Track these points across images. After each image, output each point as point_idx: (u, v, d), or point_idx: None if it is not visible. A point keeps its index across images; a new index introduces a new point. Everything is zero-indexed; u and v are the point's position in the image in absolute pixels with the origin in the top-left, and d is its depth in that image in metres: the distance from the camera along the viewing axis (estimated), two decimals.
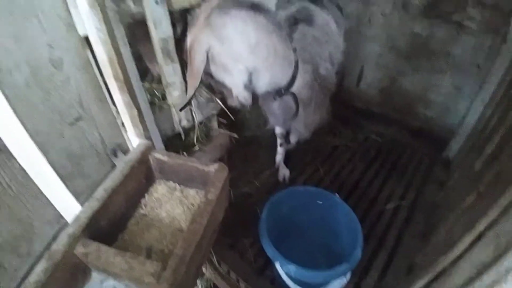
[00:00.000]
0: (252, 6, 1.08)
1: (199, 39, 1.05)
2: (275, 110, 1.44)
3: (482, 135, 1.68)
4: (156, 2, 1.02)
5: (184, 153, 1.43)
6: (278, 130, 1.90)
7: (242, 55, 1.08)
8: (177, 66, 1.21)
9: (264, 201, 1.44)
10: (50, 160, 0.82)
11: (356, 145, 2.33)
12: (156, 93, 1.30)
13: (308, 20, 1.35)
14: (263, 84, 1.19)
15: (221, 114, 1.59)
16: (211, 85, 1.26)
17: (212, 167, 1.09)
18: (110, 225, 0.98)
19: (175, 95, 1.27)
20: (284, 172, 2.01)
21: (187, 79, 1.16)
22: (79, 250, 0.83)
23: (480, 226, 1.11)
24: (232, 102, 1.25)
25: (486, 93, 1.88)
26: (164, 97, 1.29)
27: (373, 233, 1.67)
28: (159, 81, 1.25)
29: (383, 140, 2.39)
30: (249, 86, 1.16)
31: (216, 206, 0.99)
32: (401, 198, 1.91)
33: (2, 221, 0.80)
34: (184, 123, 1.39)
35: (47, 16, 0.77)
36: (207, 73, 1.13)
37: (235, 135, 1.73)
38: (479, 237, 0.95)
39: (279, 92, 1.27)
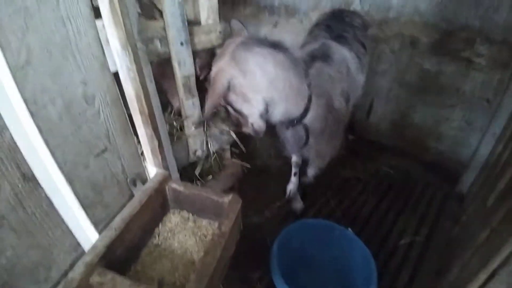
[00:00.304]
0: (273, 45, 1.19)
1: (224, 70, 1.14)
2: (288, 138, 1.52)
3: (495, 169, 1.67)
4: (181, 44, 1.10)
5: (198, 182, 1.45)
6: (294, 158, 1.93)
7: (261, 87, 1.17)
8: (197, 101, 1.27)
9: (275, 233, 1.43)
10: (74, 189, 0.86)
11: (367, 178, 2.32)
12: (175, 124, 1.35)
13: (325, 57, 1.45)
14: (278, 114, 1.27)
15: (233, 143, 1.63)
16: (228, 113, 1.31)
17: (226, 198, 1.11)
18: (125, 254, 0.99)
19: (193, 126, 1.32)
20: (296, 206, 2.00)
21: (207, 100, 1.23)
22: (95, 279, 0.84)
23: (494, 264, 1.08)
24: (247, 130, 1.31)
25: (497, 127, 1.88)
26: (182, 128, 1.34)
27: (386, 270, 1.62)
28: (178, 113, 1.31)
29: (395, 172, 2.37)
30: (264, 115, 1.24)
31: (229, 238, 0.99)
32: (414, 234, 1.86)
33: (24, 248, 0.82)
34: (199, 153, 1.43)
35: (83, 55, 0.83)
36: (226, 101, 1.21)
37: (247, 165, 1.76)
38: (493, 275, 0.92)
39: (291, 122, 1.35)
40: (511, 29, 1.76)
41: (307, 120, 1.32)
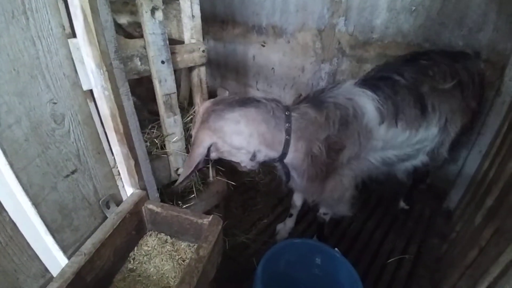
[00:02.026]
0: (243, 103, 1.26)
1: (201, 137, 1.23)
2: (279, 169, 1.55)
3: (481, 186, 1.67)
4: (162, 62, 1.10)
5: (180, 202, 1.41)
6: (294, 197, 1.92)
7: (241, 145, 1.28)
8: (178, 118, 1.26)
9: (261, 252, 1.38)
10: (40, 212, 0.82)
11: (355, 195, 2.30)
12: (156, 141, 1.33)
13: (317, 101, 1.37)
14: (260, 157, 1.36)
15: (218, 161, 1.61)
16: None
17: (206, 220, 1.07)
18: (96, 280, 0.94)
19: (174, 144, 1.29)
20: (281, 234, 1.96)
21: (183, 166, 1.35)
22: None
23: (483, 286, 1.06)
24: (241, 169, 1.43)
25: (482, 144, 1.90)
26: (163, 147, 1.31)
27: None
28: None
29: (382, 188, 2.36)
30: (253, 159, 1.34)
31: (208, 263, 0.95)
32: (403, 251, 1.83)
33: None
34: (181, 171, 1.40)
35: (53, 75, 0.81)
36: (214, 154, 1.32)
37: (233, 183, 1.73)
38: None
39: (274, 161, 1.43)
40: (494, 49, 1.80)
41: (287, 160, 1.38)
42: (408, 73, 1.44)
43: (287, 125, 1.28)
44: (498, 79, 1.79)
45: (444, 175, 2.24)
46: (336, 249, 1.44)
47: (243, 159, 1.34)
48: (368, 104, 1.35)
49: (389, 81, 1.42)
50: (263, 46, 2.94)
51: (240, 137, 1.25)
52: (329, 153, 1.33)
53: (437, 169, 1.98)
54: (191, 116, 1.47)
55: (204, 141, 1.23)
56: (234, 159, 1.35)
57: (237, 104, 1.25)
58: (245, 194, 2.26)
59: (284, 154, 1.34)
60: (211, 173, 1.61)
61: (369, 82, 1.41)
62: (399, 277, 1.68)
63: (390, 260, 1.77)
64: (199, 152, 1.23)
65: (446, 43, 1.99)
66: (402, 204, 2.18)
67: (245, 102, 1.27)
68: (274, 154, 1.34)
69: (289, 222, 1.95)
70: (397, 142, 1.48)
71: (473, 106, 1.62)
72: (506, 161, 1.40)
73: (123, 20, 1.62)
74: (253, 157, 1.32)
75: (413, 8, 2.02)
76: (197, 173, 1.53)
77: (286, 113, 1.30)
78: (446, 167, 2.23)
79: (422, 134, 1.50)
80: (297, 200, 1.91)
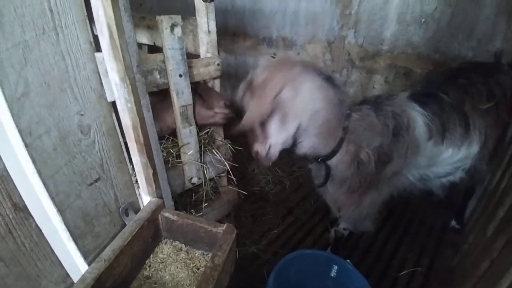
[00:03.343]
0: (328, 78, 1.21)
1: (278, 80, 1.12)
2: (312, 170, 1.48)
3: (493, 198, 1.65)
4: (180, 75, 1.14)
5: (193, 211, 1.44)
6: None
7: (303, 113, 1.17)
8: (194, 129, 1.29)
9: (271, 263, 1.39)
10: (65, 219, 0.85)
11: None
12: (172, 151, 1.36)
13: (377, 105, 1.34)
14: (305, 147, 1.26)
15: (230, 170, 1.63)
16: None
17: (220, 228, 1.09)
18: (114, 286, 0.96)
19: (189, 154, 1.33)
20: None
21: (251, 109, 1.17)
22: None
23: None
24: (258, 149, 1.25)
25: None
26: (178, 156, 1.35)
27: None
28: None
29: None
30: (287, 143, 1.23)
31: (222, 271, 0.96)
32: (415, 264, 1.81)
33: (12, 278, 0.80)
34: (195, 180, 1.42)
35: (81, 88, 0.86)
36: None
37: (244, 192, 1.75)
38: None
39: (316, 159, 1.33)
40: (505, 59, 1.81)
41: (332, 162, 1.30)
42: (451, 91, 1.45)
43: (346, 123, 1.23)
44: None
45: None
46: (348, 260, 1.44)
47: (281, 135, 1.19)
48: (419, 118, 1.34)
49: (436, 99, 1.41)
50: (273, 58, 2.99)
51: (309, 104, 1.15)
52: (377, 164, 1.29)
53: (481, 183, 1.91)
54: (207, 129, 1.49)
55: (280, 83, 1.11)
56: (275, 128, 1.18)
57: (324, 75, 1.20)
58: (255, 204, 2.27)
59: (333, 153, 1.26)
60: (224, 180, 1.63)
61: (417, 98, 1.40)
62: None
63: (402, 273, 1.75)
64: (272, 92, 1.09)
65: (456, 54, 2.01)
66: (453, 223, 2.11)
67: (330, 78, 1.21)
68: (324, 149, 1.25)
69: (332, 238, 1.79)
70: (439, 159, 1.47)
71: (505, 119, 1.61)
72: None
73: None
74: (292, 140, 1.20)
75: (423, 20, 2.05)
76: (211, 182, 1.55)
77: (348, 111, 1.25)
78: None
79: (463, 153, 1.49)
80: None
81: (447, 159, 1.48)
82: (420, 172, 1.50)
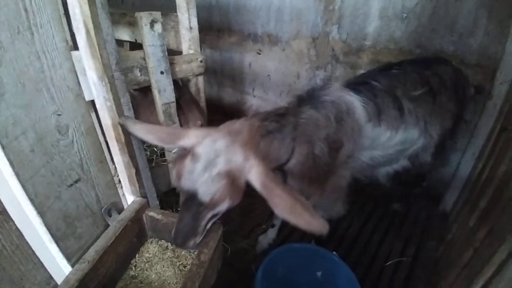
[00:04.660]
0: (270, 133, 1.14)
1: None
2: None
3: (475, 188, 1.70)
4: (161, 72, 1.13)
5: (179, 209, 1.43)
6: None
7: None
8: (177, 127, 1.28)
9: (260, 258, 1.40)
10: (45, 221, 0.84)
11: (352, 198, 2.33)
12: (156, 150, 1.36)
13: (314, 101, 1.35)
14: None
15: None
16: None
17: None
18: (99, 287, 0.95)
19: (173, 152, 1.32)
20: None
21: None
22: None
23: (477, 286, 1.08)
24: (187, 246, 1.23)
25: (475, 147, 1.94)
26: (163, 155, 1.34)
27: None
28: None
29: (378, 193, 2.39)
30: None
31: (209, 268, 0.97)
32: (401, 254, 1.86)
33: None
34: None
35: (57, 87, 0.84)
36: None
37: None
38: None
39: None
40: (485, 53, 1.85)
41: (287, 167, 1.30)
42: (383, 79, 1.53)
43: (294, 133, 1.23)
44: (489, 83, 1.83)
45: (439, 178, 2.28)
46: (334, 252, 1.47)
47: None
48: (356, 102, 1.41)
49: (368, 86, 1.50)
50: (259, 54, 2.99)
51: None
52: (330, 153, 1.33)
53: (428, 173, 2.02)
54: None
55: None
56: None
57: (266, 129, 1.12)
58: (243, 200, 2.27)
59: (287, 160, 1.25)
60: None
61: (350, 86, 1.47)
62: (397, 279, 1.70)
63: (388, 263, 1.79)
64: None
65: (438, 49, 2.04)
66: (395, 206, 2.23)
67: (269, 134, 1.12)
68: (278, 164, 1.23)
69: (271, 233, 1.91)
70: (381, 141, 1.54)
71: (451, 109, 1.68)
72: (498, 164, 1.44)
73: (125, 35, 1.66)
74: None
75: (404, 15, 2.08)
76: None
77: (294, 118, 1.25)
78: (441, 169, 2.27)
79: (401, 135, 1.57)
80: None
81: (387, 141, 1.55)
82: (369, 154, 1.58)
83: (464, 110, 1.88)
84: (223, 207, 0.94)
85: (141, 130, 0.96)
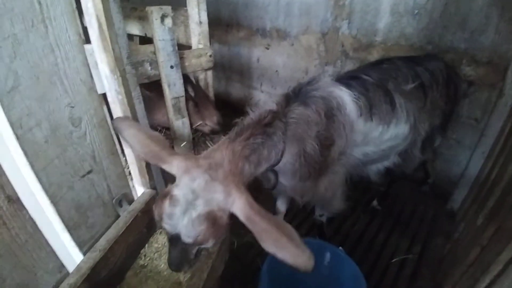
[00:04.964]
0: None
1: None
2: (263, 176, 1.43)
3: (484, 187, 1.69)
4: (171, 67, 1.14)
5: None
6: (278, 204, 1.91)
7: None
8: (186, 121, 1.30)
9: (265, 252, 1.41)
10: (58, 211, 0.86)
11: (358, 196, 2.33)
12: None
13: (303, 98, 1.31)
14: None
15: None
16: None
17: None
18: (109, 275, 0.98)
19: (182, 145, 1.34)
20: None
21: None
22: None
23: (483, 283, 1.08)
24: None
25: (485, 145, 1.91)
26: (172, 148, 1.36)
27: None
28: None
29: (385, 190, 2.38)
30: None
31: (217, 259, 0.99)
32: (407, 251, 1.85)
33: (8, 269, 0.82)
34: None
35: (71, 80, 0.86)
36: None
37: None
38: None
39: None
40: (497, 51, 1.82)
41: (278, 166, 1.28)
42: (374, 73, 1.52)
43: (284, 136, 1.20)
44: (500, 81, 1.80)
45: (447, 176, 2.26)
46: (340, 248, 1.47)
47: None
48: (346, 96, 1.38)
49: (359, 80, 1.48)
50: (267, 48, 2.98)
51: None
52: (322, 151, 1.31)
53: (414, 170, 2.03)
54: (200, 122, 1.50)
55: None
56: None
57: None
58: (249, 193, 2.28)
59: (278, 161, 1.23)
60: None
61: (341, 81, 1.45)
62: (403, 277, 1.70)
63: (394, 260, 1.79)
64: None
65: (449, 46, 2.01)
66: (374, 203, 2.23)
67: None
68: (268, 165, 1.21)
69: None
70: (373, 137, 1.52)
71: (441, 106, 1.67)
72: (508, 162, 1.42)
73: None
74: None
75: (416, 11, 2.05)
76: None
77: (283, 120, 1.22)
78: (449, 168, 2.25)
79: (393, 130, 1.55)
80: (281, 205, 1.88)
81: (379, 136, 1.53)
82: (362, 150, 1.55)
83: (457, 106, 1.88)
84: (209, 244, 0.91)
85: (133, 138, 0.92)
